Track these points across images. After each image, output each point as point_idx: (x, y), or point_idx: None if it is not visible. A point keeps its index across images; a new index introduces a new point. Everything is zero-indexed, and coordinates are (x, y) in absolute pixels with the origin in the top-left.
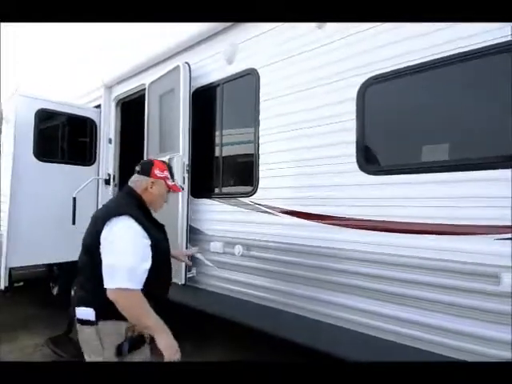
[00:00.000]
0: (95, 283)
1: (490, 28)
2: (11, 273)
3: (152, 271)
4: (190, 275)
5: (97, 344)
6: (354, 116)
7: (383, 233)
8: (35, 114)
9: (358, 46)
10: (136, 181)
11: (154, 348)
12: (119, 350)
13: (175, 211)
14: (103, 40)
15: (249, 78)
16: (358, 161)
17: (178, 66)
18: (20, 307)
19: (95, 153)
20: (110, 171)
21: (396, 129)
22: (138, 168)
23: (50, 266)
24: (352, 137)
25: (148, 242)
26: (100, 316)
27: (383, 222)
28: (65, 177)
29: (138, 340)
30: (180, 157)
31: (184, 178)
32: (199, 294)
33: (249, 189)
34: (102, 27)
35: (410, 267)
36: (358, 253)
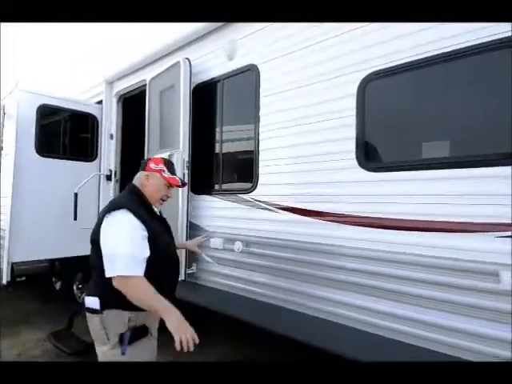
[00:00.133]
0: (99, 274)
1: (490, 23)
2: (13, 268)
3: (152, 264)
4: (190, 271)
5: (102, 333)
6: (354, 112)
7: (382, 230)
8: (37, 110)
9: (359, 40)
10: (137, 177)
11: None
12: (121, 340)
13: (175, 207)
14: (104, 36)
15: (249, 74)
16: (357, 157)
17: (178, 62)
18: (22, 302)
19: (97, 149)
20: (112, 167)
21: (396, 125)
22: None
23: (52, 261)
24: (352, 133)
25: (145, 233)
26: (104, 305)
27: (382, 219)
28: (66, 172)
29: (140, 331)
30: (180, 153)
31: (184, 174)
32: (199, 290)
33: (248, 185)
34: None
35: (410, 265)
36: (356, 250)
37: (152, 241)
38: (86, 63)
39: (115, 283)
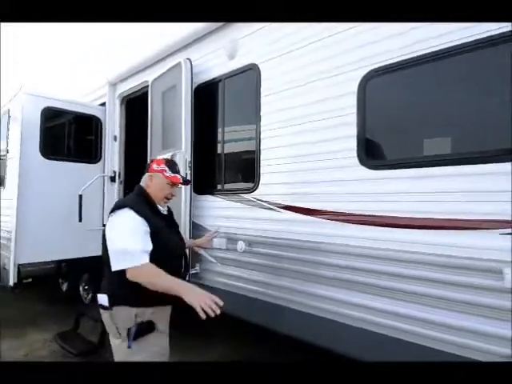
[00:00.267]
0: (107, 271)
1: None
2: (20, 269)
3: (154, 258)
4: (194, 272)
5: (113, 328)
6: (354, 110)
7: (385, 228)
8: (41, 113)
9: (359, 38)
10: (143, 179)
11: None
12: (128, 334)
13: (178, 207)
14: (106, 37)
15: (250, 73)
16: (358, 155)
17: (179, 63)
18: (29, 303)
19: (101, 150)
20: (116, 168)
21: (397, 122)
22: None
23: (58, 263)
24: (353, 131)
25: (147, 229)
26: (113, 302)
27: (385, 217)
28: (71, 174)
29: (145, 326)
30: (182, 153)
31: (186, 174)
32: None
33: (250, 185)
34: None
35: (413, 263)
36: (360, 248)
37: (154, 236)
38: (88, 65)
39: (128, 276)
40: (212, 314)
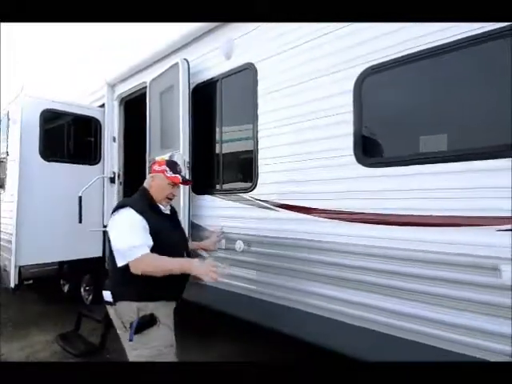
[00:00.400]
0: (112, 268)
1: None
2: (21, 271)
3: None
4: None
5: (119, 322)
6: (351, 108)
7: (383, 226)
8: (40, 115)
9: (354, 36)
10: (145, 180)
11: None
12: (130, 327)
13: (177, 207)
14: (104, 39)
15: (247, 73)
16: (355, 153)
17: (176, 63)
18: (31, 305)
19: (100, 152)
20: (115, 169)
21: (393, 120)
22: None
23: (59, 264)
24: (349, 129)
25: (146, 226)
26: (116, 297)
27: (382, 215)
28: (71, 176)
29: (147, 319)
30: (180, 154)
31: (185, 174)
32: (202, 290)
33: (248, 184)
34: (103, 26)
35: (409, 261)
36: (358, 247)
37: (155, 235)
38: (87, 67)
39: (133, 270)
40: (220, 278)
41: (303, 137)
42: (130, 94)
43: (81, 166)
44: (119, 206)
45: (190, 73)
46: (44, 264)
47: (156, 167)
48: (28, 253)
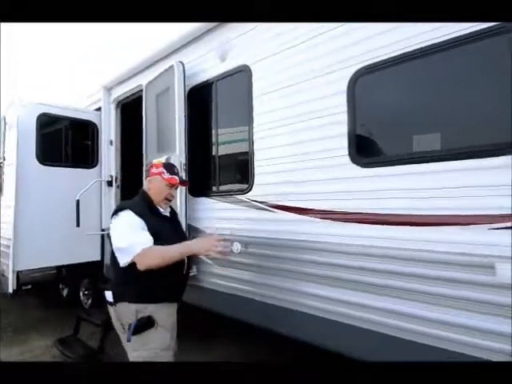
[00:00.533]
0: (113, 269)
1: None
2: (19, 276)
3: None
4: (191, 274)
5: (118, 324)
6: (345, 108)
7: (377, 226)
8: (37, 119)
9: (347, 36)
10: (144, 183)
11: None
12: (128, 328)
13: None
14: (101, 42)
15: (242, 75)
16: (350, 154)
17: (172, 66)
18: (31, 310)
19: (97, 155)
20: (113, 173)
21: (387, 120)
22: None
23: (58, 269)
24: (343, 129)
25: (145, 227)
26: (116, 298)
27: (377, 214)
28: (68, 180)
29: (145, 321)
30: (177, 156)
31: (181, 176)
32: (200, 292)
33: (245, 186)
34: (99, 29)
35: (404, 260)
36: (354, 247)
37: (154, 237)
38: (84, 71)
39: (139, 266)
40: (223, 254)
41: (298, 138)
42: (126, 97)
43: (78, 169)
44: (118, 209)
45: (185, 75)
46: (42, 268)
47: (153, 170)
48: (26, 257)
